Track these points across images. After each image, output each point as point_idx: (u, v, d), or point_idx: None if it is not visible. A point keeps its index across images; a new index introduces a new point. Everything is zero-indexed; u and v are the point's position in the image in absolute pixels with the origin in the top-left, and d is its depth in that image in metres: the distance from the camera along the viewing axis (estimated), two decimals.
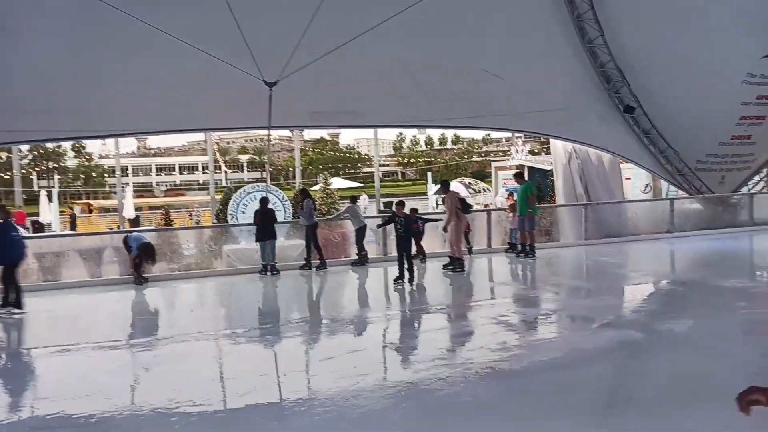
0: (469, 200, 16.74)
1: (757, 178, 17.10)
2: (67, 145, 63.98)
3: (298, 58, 10.64)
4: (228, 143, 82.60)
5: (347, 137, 79.30)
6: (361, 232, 12.15)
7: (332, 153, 67.11)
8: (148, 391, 5.60)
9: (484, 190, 30.35)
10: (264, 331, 7.96)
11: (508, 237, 13.28)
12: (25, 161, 53.36)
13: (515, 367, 5.71)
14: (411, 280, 10.06)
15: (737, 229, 15.24)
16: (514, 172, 15.67)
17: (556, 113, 13.94)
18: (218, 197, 20.34)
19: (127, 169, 57.29)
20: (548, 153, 22.34)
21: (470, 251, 12.52)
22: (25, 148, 48.77)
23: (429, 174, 37.08)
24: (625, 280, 11.23)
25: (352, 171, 62.17)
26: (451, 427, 4.53)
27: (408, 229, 10.35)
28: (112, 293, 10.84)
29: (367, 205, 24.65)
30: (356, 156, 70.49)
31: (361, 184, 39.14)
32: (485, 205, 22.17)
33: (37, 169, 56.37)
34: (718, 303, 8.25)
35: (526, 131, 18.09)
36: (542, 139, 30.84)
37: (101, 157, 70.48)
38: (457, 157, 67.72)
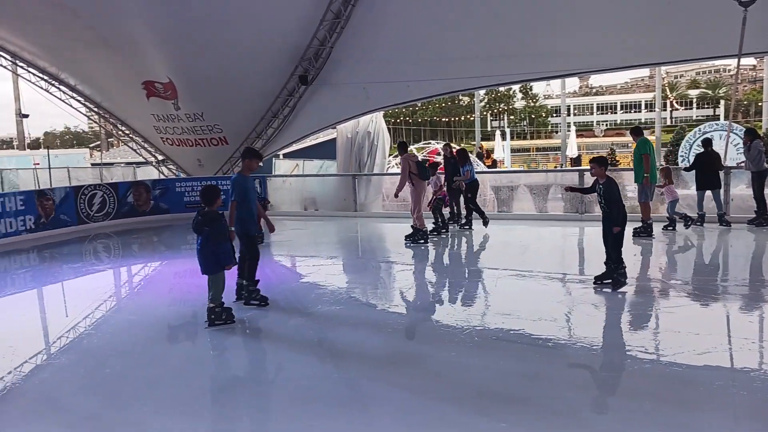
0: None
1: None
2: (516, 88, 70.40)
3: None
4: (675, 78, 75.67)
5: None
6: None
7: None
8: (593, 328, 5.74)
9: None
10: (710, 289, 7.06)
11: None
12: (482, 104, 60.83)
13: None
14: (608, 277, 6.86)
15: None
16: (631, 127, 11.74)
17: None
18: (667, 137, 18.88)
19: (569, 109, 58.90)
20: None
21: (452, 223, 11.42)
22: (482, 92, 55.54)
23: None
24: None
25: None
26: None
27: (611, 199, 6.63)
28: (556, 228, 11.55)
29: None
30: None
31: None
32: None
33: (492, 111, 63.68)
34: None
35: None
36: None
37: (545, 97, 74.84)
38: None
